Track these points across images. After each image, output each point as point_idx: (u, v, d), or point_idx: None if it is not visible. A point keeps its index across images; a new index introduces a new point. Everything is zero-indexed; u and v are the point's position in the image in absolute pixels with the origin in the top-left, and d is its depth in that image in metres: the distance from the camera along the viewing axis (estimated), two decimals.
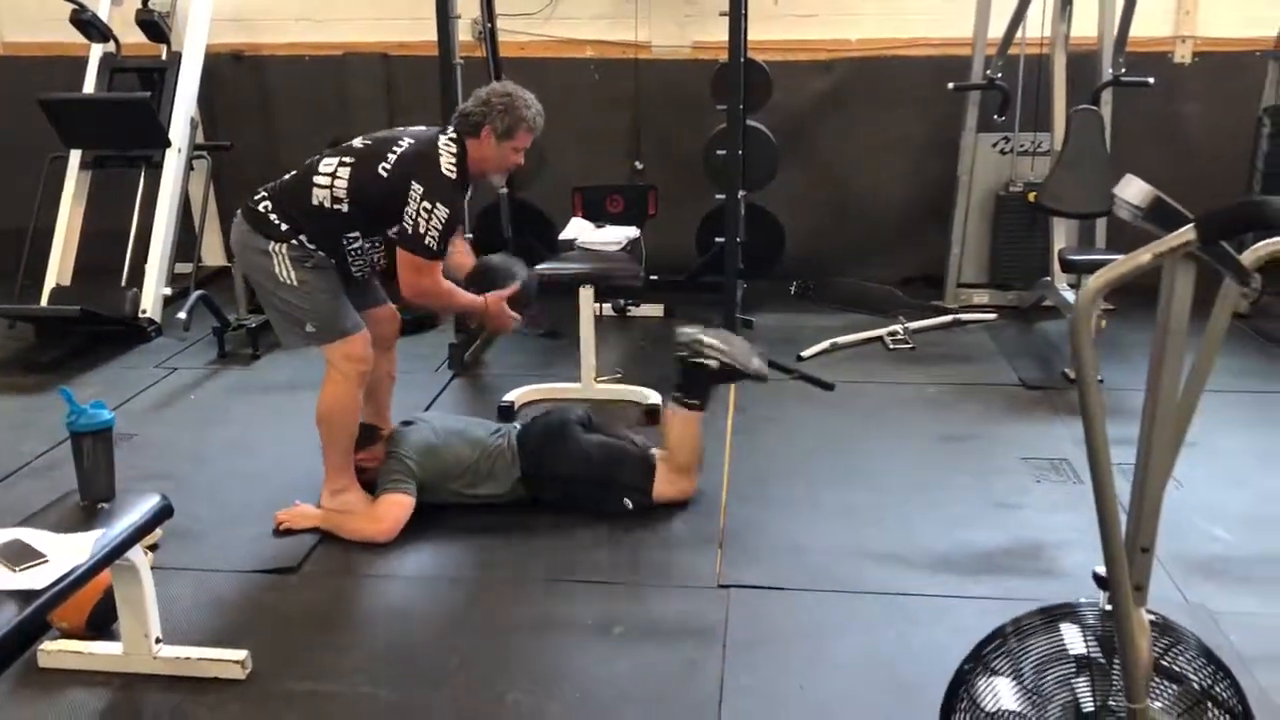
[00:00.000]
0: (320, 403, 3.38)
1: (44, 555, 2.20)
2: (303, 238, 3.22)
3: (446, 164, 3.20)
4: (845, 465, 3.80)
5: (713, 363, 3.37)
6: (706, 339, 3.39)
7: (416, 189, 3.12)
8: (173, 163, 5.42)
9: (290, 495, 3.57)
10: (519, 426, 3.58)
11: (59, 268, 5.30)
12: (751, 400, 4.40)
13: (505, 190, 5.62)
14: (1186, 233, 1.49)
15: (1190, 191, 5.60)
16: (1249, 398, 4.39)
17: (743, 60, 4.73)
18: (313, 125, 6.17)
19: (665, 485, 3.45)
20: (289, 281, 3.23)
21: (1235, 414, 4.21)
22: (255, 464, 3.88)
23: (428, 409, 4.37)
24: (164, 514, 2.52)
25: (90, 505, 2.44)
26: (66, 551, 2.22)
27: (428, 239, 3.13)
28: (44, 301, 5.17)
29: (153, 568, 3.07)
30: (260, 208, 3.27)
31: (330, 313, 3.27)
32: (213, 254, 6.15)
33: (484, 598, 3.02)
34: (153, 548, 3.19)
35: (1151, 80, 5.01)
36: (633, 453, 3.48)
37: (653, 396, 4.30)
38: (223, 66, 6.09)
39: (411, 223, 3.13)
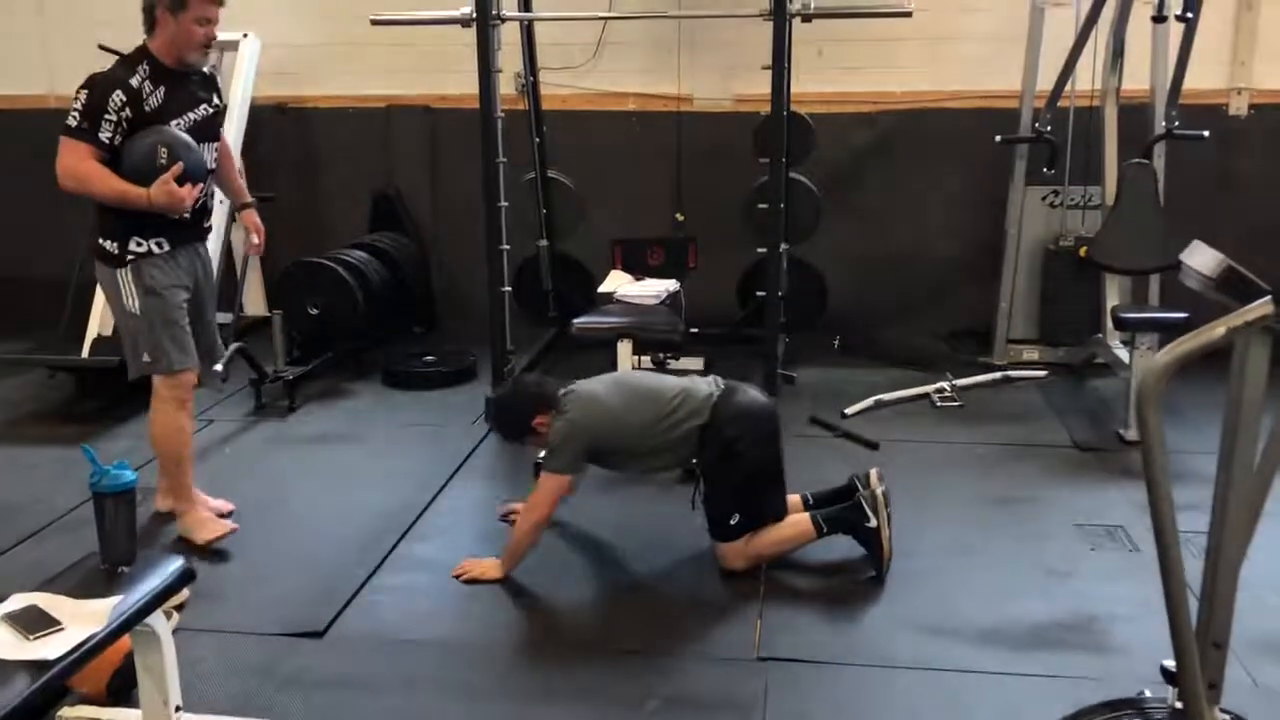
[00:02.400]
0: (149, 427, 3.59)
1: (60, 623, 2.14)
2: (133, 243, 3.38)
3: (111, 66, 3.33)
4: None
5: (874, 523, 3.31)
6: (888, 500, 3.34)
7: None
8: (216, 214, 5.41)
9: (320, 552, 3.52)
10: (715, 395, 3.35)
11: (101, 318, 5.31)
12: (793, 460, 4.27)
13: (545, 242, 5.59)
14: (1264, 305, 1.39)
15: (1247, 250, 5.46)
16: None
17: (786, 112, 4.67)
18: (355, 176, 6.22)
19: (735, 558, 3.34)
20: (132, 309, 3.42)
21: None
22: (286, 520, 3.82)
23: (464, 462, 4.31)
24: (185, 579, 2.45)
25: (111, 569, 2.38)
26: (83, 619, 2.16)
27: (69, 118, 3.24)
28: (85, 352, 5.18)
29: (177, 629, 3.04)
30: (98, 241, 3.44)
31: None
32: (254, 304, 6.16)
33: (515, 665, 2.92)
34: (179, 607, 3.14)
35: (1206, 134, 4.88)
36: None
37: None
38: (267, 118, 6.13)
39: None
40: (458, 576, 3.34)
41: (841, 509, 3.37)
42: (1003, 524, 3.73)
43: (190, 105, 3.44)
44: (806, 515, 3.37)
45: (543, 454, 3.39)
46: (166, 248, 3.43)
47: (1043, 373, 5.38)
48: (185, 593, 3.17)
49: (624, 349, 4.23)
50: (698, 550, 3.51)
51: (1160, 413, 1.45)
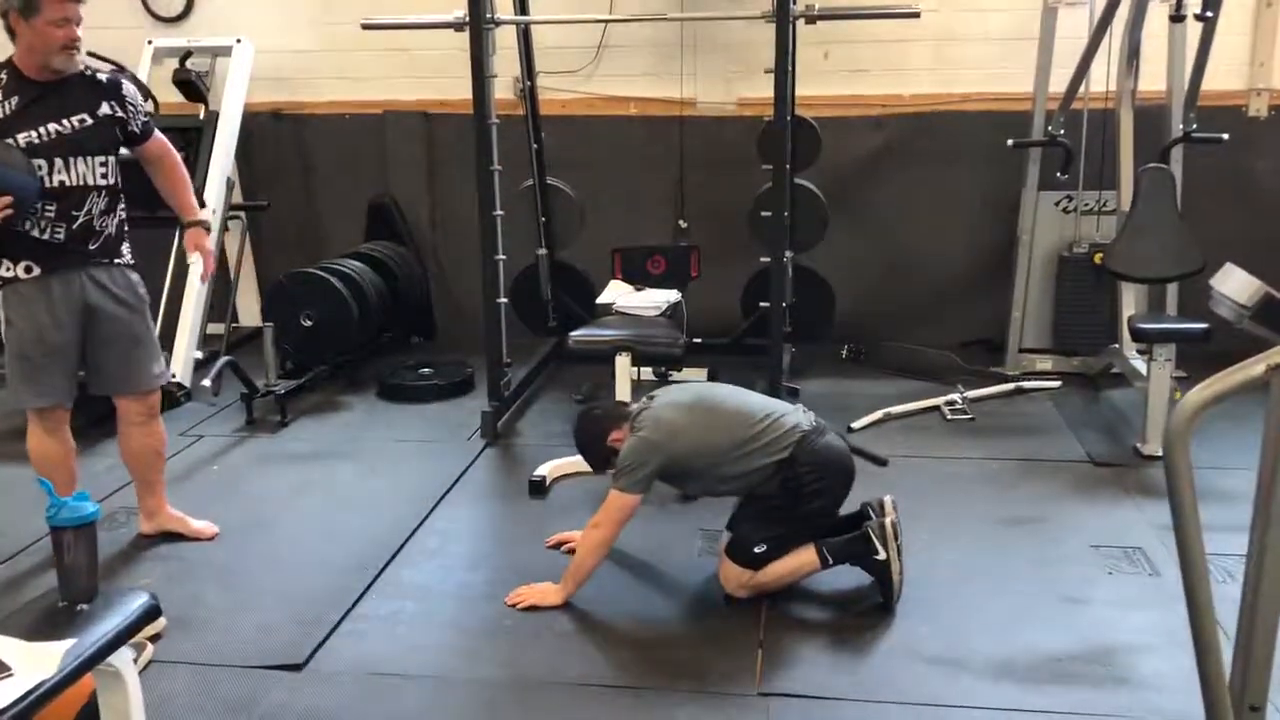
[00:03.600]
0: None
1: (9, 668, 2.01)
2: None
3: None
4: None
5: (883, 556, 3.16)
6: (899, 530, 3.20)
7: None
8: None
9: (306, 577, 3.38)
10: (802, 432, 3.17)
11: None
12: None
13: (544, 251, 5.46)
14: None
15: (1268, 257, 5.29)
16: None
17: (790, 117, 4.52)
18: (352, 183, 6.09)
19: (739, 585, 3.20)
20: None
21: None
22: (272, 543, 3.69)
23: (458, 481, 4.18)
24: (149, 617, 2.31)
25: (70, 606, 2.25)
26: (34, 664, 2.03)
27: None
28: None
29: (151, 661, 2.92)
30: None
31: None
32: (249, 315, 6.05)
33: (504, 703, 2.78)
34: (155, 638, 3.01)
35: (1225, 136, 4.72)
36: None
37: None
38: (262, 125, 6.02)
39: None
40: (513, 605, 3.19)
41: (849, 540, 3.21)
42: (1016, 546, 3.58)
43: (53, 117, 3.16)
44: (813, 546, 3.21)
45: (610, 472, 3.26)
46: (36, 272, 3.21)
47: (1056, 383, 5.22)
48: (162, 622, 3.04)
49: (622, 363, 4.09)
50: (695, 577, 3.38)
51: (1189, 458, 1.29)
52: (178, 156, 3.54)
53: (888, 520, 3.18)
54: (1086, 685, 2.78)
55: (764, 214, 4.60)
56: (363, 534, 3.71)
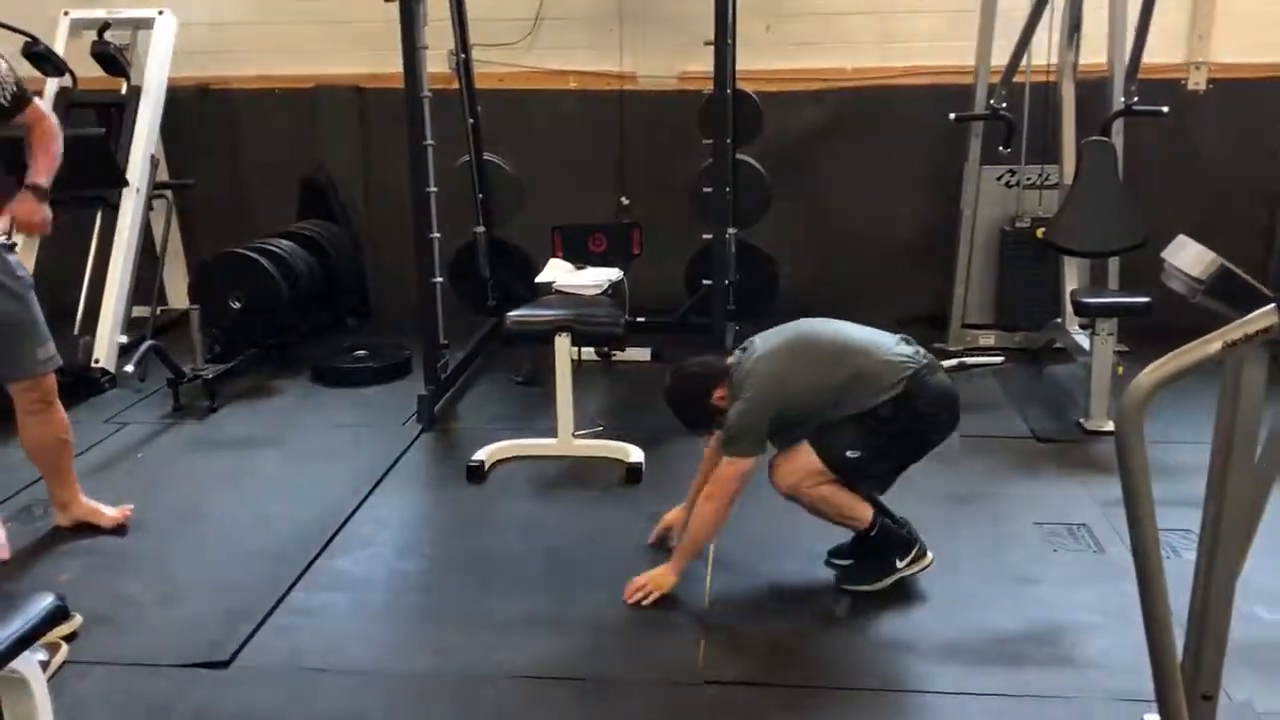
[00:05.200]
0: None
1: None
2: None
3: None
4: (841, 532, 3.44)
5: (896, 573, 3.11)
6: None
7: None
8: (130, 203, 5.12)
9: (233, 570, 3.25)
10: (914, 367, 2.97)
11: None
12: None
13: (482, 229, 5.33)
14: (1267, 315, 1.17)
15: (1206, 227, 5.25)
16: None
17: (731, 91, 4.43)
18: (282, 160, 5.91)
19: (794, 474, 3.01)
20: None
21: None
22: (199, 533, 3.55)
23: (393, 466, 4.06)
24: (55, 618, 2.17)
25: None
26: None
27: None
28: None
29: (66, 662, 2.77)
30: None
31: None
32: (177, 297, 5.84)
33: (440, 698, 2.67)
34: (70, 637, 2.86)
35: (1166, 109, 4.70)
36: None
37: (635, 454, 3.97)
38: (188, 100, 5.80)
39: None
40: (637, 603, 3.02)
41: (899, 531, 3.12)
42: (963, 524, 3.54)
43: None
44: (870, 506, 3.10)
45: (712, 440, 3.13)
46: None
47: (999, 359, 5.21)
48: (77, 620, 2.91)
49: (562, 343, 3.98)
50: (641, 564, 3.29)
51: (1143, 440, 1.22)
52: (51, 126, 3.25)
53: (926, 561, 3.13)
54: (1035, 665, 2.74)
55: (706, 190, 4.51)
56: (294, 523, 3.58)
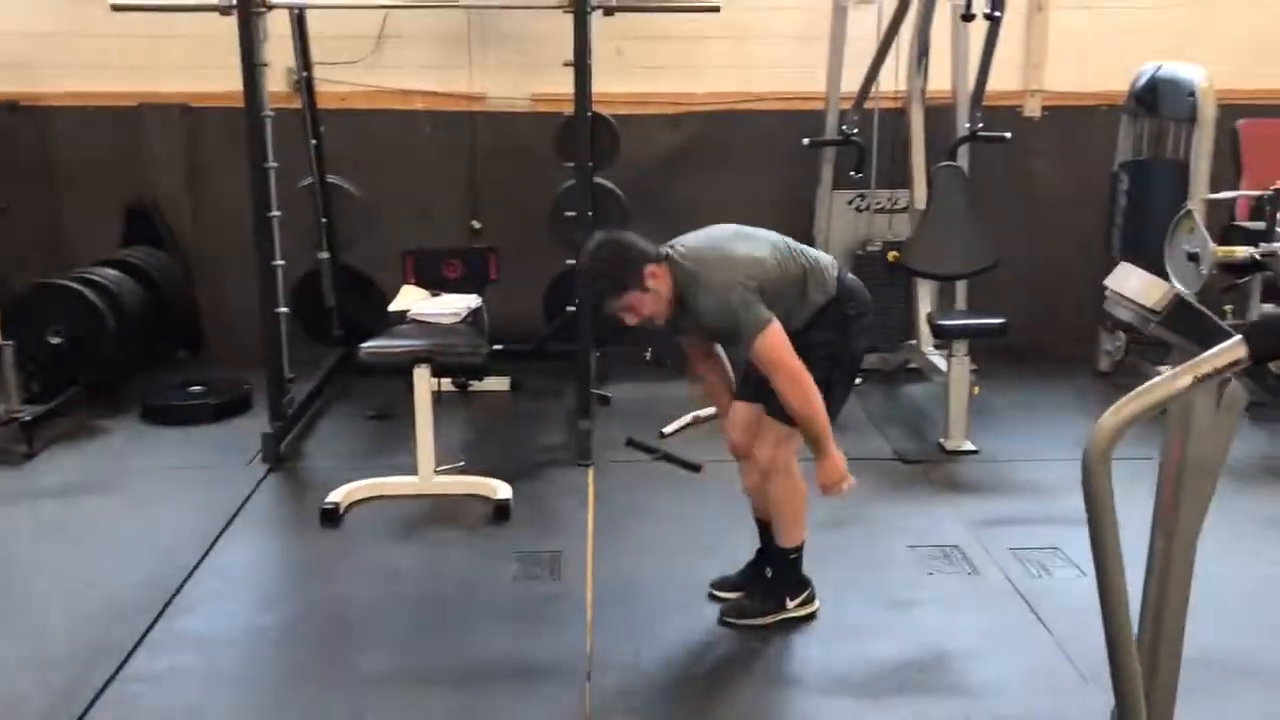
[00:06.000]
0: None
1: None
2: None
3: None
4: (721, 563, 3.36)
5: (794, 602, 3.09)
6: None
7: None
8: None
9: (60, 636, 2.93)
10: (836, 268, 2.98)
11: None
12: (613, 488, 3.99)
13: (326, 255, 5.06)
14: (1234, 348, 1.12)
15: (1046, 247, 5.38)
16: (1132, 466, 4.19)
17: (589, 114, 4.33)
18: (103, 184, 5.48)
19: (771, 445, 2.94)
20: None
21: (1121, 485, 4.00)
22: (14, 598, 3.21)
23: (239, 511, 3.77)
24: None
25: None
26: None
27: None
28: None
29: None
30: None
31: None
32: None
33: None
34: None
35: (1009, 135, 4.86)
36: None
37: (502, 490, 3.80)
38: None
39: None
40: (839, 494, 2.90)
41: (800, 568, 3.10)
42: (836, 549, 3.50)
43: None
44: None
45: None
46: None
47: (858, 380, 5.24)
48: None
49: (421, 375, 3.78)
50: (511, 608, 3.13)
51: (1109, 484, 1.15)
52: None
53: (814, 606, 3.10)
54: (927, 694, 2.71)
55: (568, 214, 4.39)
56: (129, 579, 3.26)
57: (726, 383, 3.17)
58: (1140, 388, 1.14)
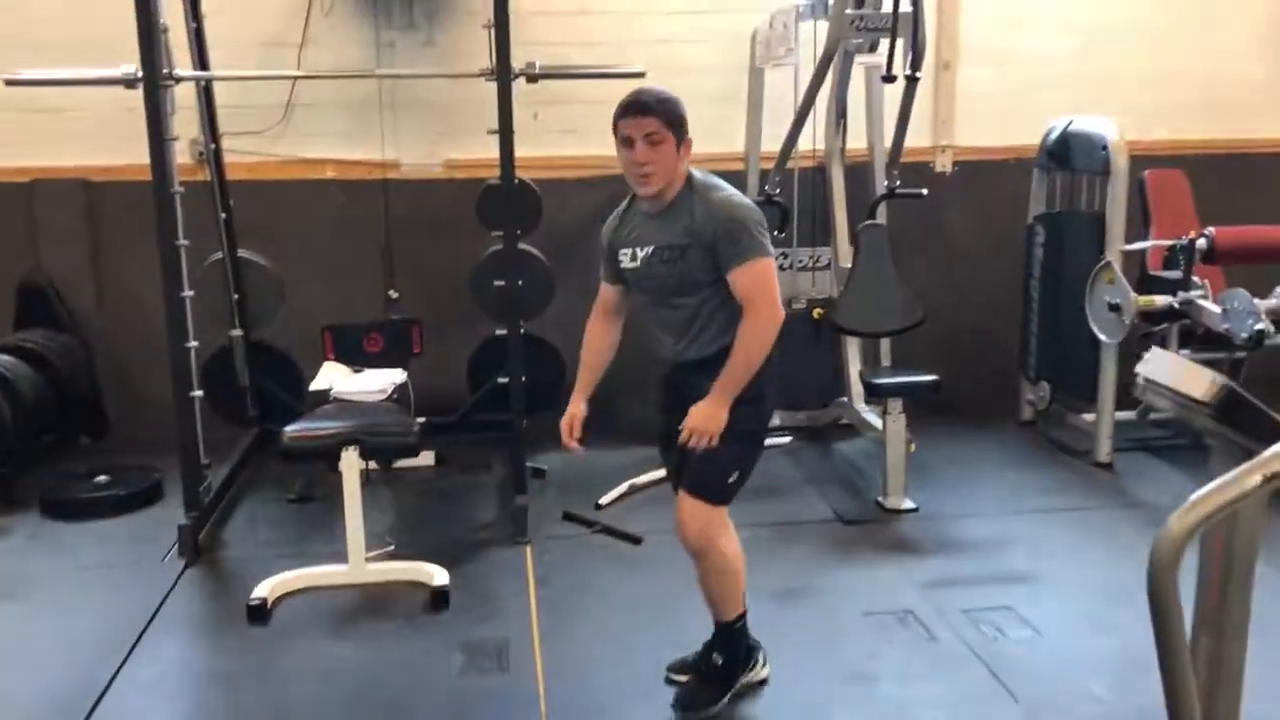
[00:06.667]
0: None
1: None
2: None
3: None
4: (672, 640, 3.23)
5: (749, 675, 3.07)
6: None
7: None
8: None
9: None
10: None
11: None
12: (553, 566, 3.86)
13: (239, 332, 4.86)
14: None
15: (963, 299, 5.39)
16: (1069, 517, 4.22)
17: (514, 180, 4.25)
18: None
19: (702, 525, 2.88)
20: None
21: (1062, 537, 4.03)
22: None
23: (157, 613, 3.53)
24: None
25: None
26: None
27: None
28: None
29: None
30: None
31: None
32: None
33: None
34: None
35: (925, 191, 4.90)
36: None
37: (439, 575, 3.63)
38: None
39: None
40: (694, 447, 2.77)
41: (746, 640, 3.04)
42: (789, 620, 3.43)
43: None
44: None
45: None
46: None
47: (787, 439, 5.23)
48: None
49: (349, 459, 3.61)
50: (455, 701, 2.97)
51: (1177, 594, 1.08)
52: None
53: (763, 670, 3.08)
54: None
55: (497, 283, 4.29)
56: (35, 698, 3.01)
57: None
58: (1204, 490, 1.08)
